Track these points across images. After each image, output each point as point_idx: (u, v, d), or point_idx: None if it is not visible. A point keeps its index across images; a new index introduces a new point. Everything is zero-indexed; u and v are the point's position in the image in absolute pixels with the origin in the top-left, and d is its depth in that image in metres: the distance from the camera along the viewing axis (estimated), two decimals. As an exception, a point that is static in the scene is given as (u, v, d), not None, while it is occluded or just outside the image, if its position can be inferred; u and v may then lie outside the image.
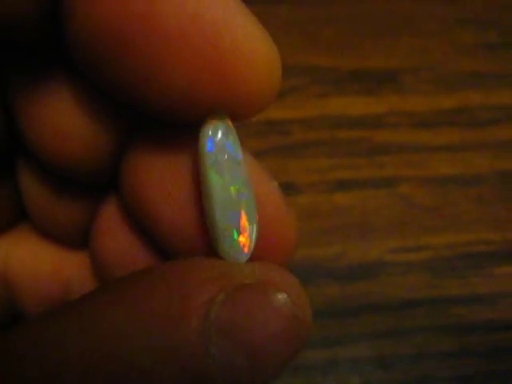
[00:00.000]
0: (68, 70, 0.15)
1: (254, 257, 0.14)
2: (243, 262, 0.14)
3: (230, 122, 0.13)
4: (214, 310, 0.11)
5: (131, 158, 0.15)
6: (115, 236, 0.17)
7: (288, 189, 0.31)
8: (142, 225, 0.16)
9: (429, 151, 0.32)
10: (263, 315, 0.12)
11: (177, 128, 0.14)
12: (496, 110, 0.34)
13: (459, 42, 0.36)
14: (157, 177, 0.15)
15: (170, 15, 0.11)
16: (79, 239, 0.18)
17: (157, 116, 0.14)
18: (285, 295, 0.12)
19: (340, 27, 0.36)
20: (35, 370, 0.11)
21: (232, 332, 0.11)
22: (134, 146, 0.15)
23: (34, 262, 0.19)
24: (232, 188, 0.14)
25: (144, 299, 0.12)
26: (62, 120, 0.15)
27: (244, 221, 0.14)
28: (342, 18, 0.36)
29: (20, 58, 0.15)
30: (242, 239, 0.14)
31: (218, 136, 0.13)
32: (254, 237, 0.14)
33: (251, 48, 0.12)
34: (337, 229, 0.30)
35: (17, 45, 0.14)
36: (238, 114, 0.13)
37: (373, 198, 0.31)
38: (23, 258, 0.18)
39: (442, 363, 0.27)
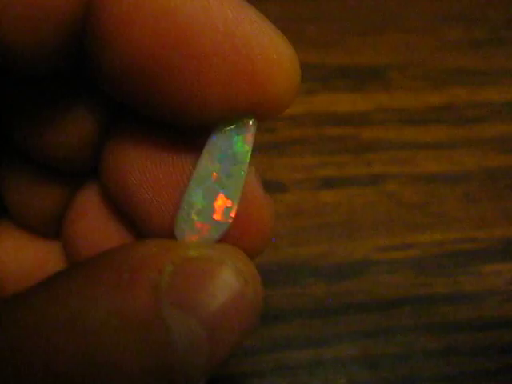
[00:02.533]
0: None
1: (229, 241, 0.14)
2: (191, 241, 0.14)
3: (251, 126, 0.14)
4: (163, 281, 0.12)
5: (113, 145, 0.16)
6: (89, 222, 0.17)
7: (274, 187, 0.31)
8: (121, 210, 0.16)
9: (416, 148, 0.32)
10: (213, 284, 0.12)
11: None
12: (483, 106, 0.34)
13: (446, 38, 0.36)
14: (138, 163, 0.15)
15: (205, 35, 0.12)
16: (54, 229, 0.19)
17: (172, 122, 0.14)
18: (231, 263, 0.13)
19: (327, 24, 0.36)
20: None
21: (185, 302, 0.12)
22: (116, 135, 0.16)
23: (17, 256, 0.19)
24: (215, 173, 0.14)
25: (96, 278, 0.12)
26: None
27: (219, 206, 0.14)
28: (329, 14, 0.36)
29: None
30: (200, 222, 0.14)
31: (230, 133, 0.14)
32: (223, 227, 0.14)
33: (278, 55, 0.13)
34: (323, 227, 0.30)
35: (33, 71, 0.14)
36: (267, 115, 0.14)
37: (359, 195, 0.31)
38: (6, 252, 0.19)
39: (429, 362, 0.27)
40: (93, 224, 0.17)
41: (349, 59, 0.35)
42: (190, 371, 0.12)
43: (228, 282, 0.12)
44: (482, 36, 0.36)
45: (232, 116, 0.14)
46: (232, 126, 0.14)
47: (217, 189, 0.14)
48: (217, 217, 0.14)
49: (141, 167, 0.15)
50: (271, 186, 0.31)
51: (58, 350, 0.11)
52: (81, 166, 0.17)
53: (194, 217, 0.14)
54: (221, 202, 0.14)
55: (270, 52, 0.13)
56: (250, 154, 0.14)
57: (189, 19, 0.12)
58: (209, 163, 0.14)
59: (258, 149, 0.32)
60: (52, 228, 0.18)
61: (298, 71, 0.14)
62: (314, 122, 0.32)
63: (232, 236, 0.14)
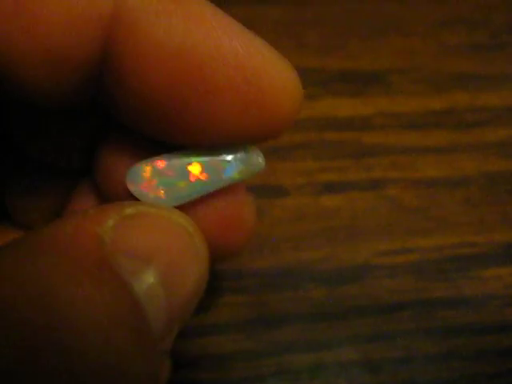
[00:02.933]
0: None
1: (209, 235, 0.15)
2: (130, 202, 0.14)
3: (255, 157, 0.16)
4: (107, 234, 0.12)
5: (108, 146, 0.17)
6: None
7: (276, 191, 0.31)
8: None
9: (416, 153, 0.32)
10: (155, 233, 0.13)
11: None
12: (483, 111, 0.34)
13: (447, 43, 0.36)
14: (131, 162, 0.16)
15: (219, 71, 0.13)
16: None
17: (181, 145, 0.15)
18: (166, 211, 0.14)
19: (327, 28, 0.36)
20: None
21: (133, 252, 0.12)
22: (107, 141, 0.17)
23: None
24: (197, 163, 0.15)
25: (46, 245, 0.12)
26: None
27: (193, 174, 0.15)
28: (330, 19, 0.36)
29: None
30: (147, 177, 0.15)
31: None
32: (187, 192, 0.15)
33: (284, 81, 0.14)
34: (324, 231, 0.30)
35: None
36: (272, 136, 0.15)
37: (360, 200, 0.31)
38: None
39: (429, 366, 0.27)
40: None
41: (350, 64, 0.35)
42: (152, 324, 0.12)
43: (168, 228, 0.13)
44: (483, 40, 0.36)
45: (239, 140, 0.15)
46: (238, 155, 0.15)
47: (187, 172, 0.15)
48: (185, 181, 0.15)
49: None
50: (273, 191, 0.31)
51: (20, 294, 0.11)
52: (78, 165, 0.18)
53: (144, 170, 0.15)
54: (196, 170, 0.15)
55: (277, 80, 0.14)
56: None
57: (204, 57, 0.13)
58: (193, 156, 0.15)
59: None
60: None
61: (301, 92, 0.15)
62: (315, 126, 0.32)
63: (212, 231, 0.15)
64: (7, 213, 0.19)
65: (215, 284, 0.28)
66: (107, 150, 0.17)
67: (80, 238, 0.12)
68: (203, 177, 0.15)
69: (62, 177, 0.19)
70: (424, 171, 0.32)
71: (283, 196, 0.31)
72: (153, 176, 0.15)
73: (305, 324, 0.28)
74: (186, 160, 0.15)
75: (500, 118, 0.33)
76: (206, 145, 0.15)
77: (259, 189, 0.30)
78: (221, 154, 0.15)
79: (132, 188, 0.15)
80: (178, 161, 0.15)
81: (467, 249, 0.30)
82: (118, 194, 0.16)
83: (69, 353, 0.11)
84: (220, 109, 0.14)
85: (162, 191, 0.15)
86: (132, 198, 0.15)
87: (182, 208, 0.15)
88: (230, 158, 0.15)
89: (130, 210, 0.13)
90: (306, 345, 0.27)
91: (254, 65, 0.14)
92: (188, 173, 0.15)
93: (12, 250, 0.12)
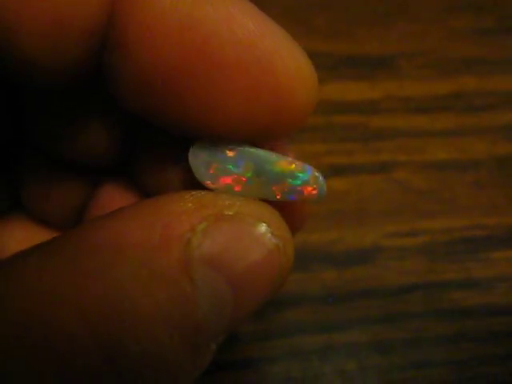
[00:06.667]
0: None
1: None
2: (225, 194, 0.14)
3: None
4: (195, 238, 0.12)
5: (141, 147, 0.16)
6: None
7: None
8: None
9: (425, 136, 0.32)
10: (244, 244, 0.12)
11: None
12: (491, 95, 0.34)
13: (454, 27, 0.36)
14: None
15: (228, 46, 0.12)
16: (72, 223, 0.19)
17: (190, 135, 0.14)
18: (264, 225, 0.13)
19: (335, 14, 0.36)
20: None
21: (214, 260, 0.12)
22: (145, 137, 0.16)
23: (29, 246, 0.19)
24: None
25: (125, 230, 0.12)
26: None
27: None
28: (337, 4, 0.36)
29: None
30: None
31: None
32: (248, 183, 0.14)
33: (298, 67, 0.13)
34: (333, 214, 0.30)
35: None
36: (287, 128, 0.14)
37: (369, 183, 0.31)
38: (19, 243, 0.19)
39: (439, 348, 0.27)
40: None
41: (358, 48, 0.35)
42: (212, 328, 0.12)
43: (259, 243, 0.12)
44: (490, 25, 0.36)
45: (253, 129, 0.14)
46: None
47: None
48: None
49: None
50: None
51: (89, 295, 0.11)
52: (104, 165, 0.17)
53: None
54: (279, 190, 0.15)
55: (291, 65, 0.13)
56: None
57: (212, 30, 0.12)
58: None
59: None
60: (68, 221, 0.19)
61: (316, 83, 0.14)
62: (323, 110, 0.32)
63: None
64: (20, 202, 0.19)
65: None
66: (144, 148, 0.16)
67: (168, 242, 0.12)
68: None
69: (84, 174, 0.18)
70: (432, 154, 0.32)
71: (292, 179, 0.31)
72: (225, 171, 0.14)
73: (315, 306, 0.28)
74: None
75: (508, 102, 0.33)
76: (215, 132, 0.14)
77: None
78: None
79: (208, 181, 0.14)
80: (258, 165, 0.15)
81: (476, 231, 0.30)
82: (167, 188, 0.16)
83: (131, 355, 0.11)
84: (229, 89, 0.13)
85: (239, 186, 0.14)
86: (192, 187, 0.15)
87: None
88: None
89: (228, 211, 0.13)
90: (316, 326, 0.27)
91: (266, 45, 0.13)
92: (273, 192, 0.15)
93: (97, 231, 0.12)
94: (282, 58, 0.13)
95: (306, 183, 0.15)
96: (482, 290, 0.28)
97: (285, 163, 0.15)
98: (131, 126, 0.16)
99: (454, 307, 0.28)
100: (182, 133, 0.14)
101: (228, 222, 0.12)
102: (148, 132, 0.16)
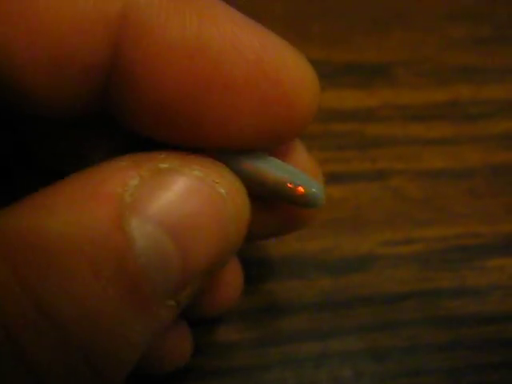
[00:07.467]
0: None
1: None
2: (163, 151, 0.14)
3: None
4: (128, 193, 0.12)
5: None
6: None
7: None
8: None
9: (421, 144, 0.32)
10: (179, 194, 0.12)
11: None
12: (487, 103, 0.34)
13: (451, 35, 0.36)
14: None
15: (237, 66, 0.13)
16: None
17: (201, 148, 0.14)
18: (201, 174, 0.13)
19: (332, 21, 0.36)
20: None
21: (148, 212, 0.12)
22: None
23: None
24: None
25: (59, 191, 0.12)
26: None
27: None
28: (334, 12, 0.36)
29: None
30: None
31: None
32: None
33: (302, 75, 0.14)
34: (329, 222, 0.30)
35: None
36: (293, 133, 0.15)
37: (365, 190, 0.31)
38: None
39: (434, 355, 0.27)
40: None
41: (354, 56, 0.35)
42: (157, 281, 0.12)
43: (195, 192, 0.12)
44: (486, 33, 0.36)
45: (263, 139, 0.14)
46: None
47: None
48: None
49: None
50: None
51: (19, 248, 0.11)
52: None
53: None
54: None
55: (296, 75, 0.14)
56: None
57: (220, 54, 0.13)
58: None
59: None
60: None
61: (319, 88, 0.15)
62: (320, 118, 0.33)
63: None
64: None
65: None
66: None
67: (98, 198, 0.11)
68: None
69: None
70: (428, 162, 0.32)
71: (288, 186, 0.31)
72: None
73: (310, 313, 0.28)
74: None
75: (504, 111, 0.34)
76: (228, 146, 0.14)
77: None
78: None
79: None
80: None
81: (471, 239, 0.30)
82: None
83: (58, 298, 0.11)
84: (240, 107, 0.13)
85: None
86: None
87: None
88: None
89: (163, 165, 0.13)
90: (311, 333, 0.27)
91: (272, 59, 0.13)
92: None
93: (33, 196, 0.12)
94: (287, 70, 0.13)
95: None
96: (477, 298, 0.29)
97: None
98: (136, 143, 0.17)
99: (448, 315, 0.28)
100: (189, 147, 0.14)
101: (162, 175, 0.12)
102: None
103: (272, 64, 0.13)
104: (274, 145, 0.15)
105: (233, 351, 0.27)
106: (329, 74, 0.34)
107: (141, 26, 0.12)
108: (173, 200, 0.12)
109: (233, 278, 0.22)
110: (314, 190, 0.16)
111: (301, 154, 0.18)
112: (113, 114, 0.14)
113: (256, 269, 0.28)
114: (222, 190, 0.13)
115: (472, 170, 0.32)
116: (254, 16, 0.14)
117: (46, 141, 0.17)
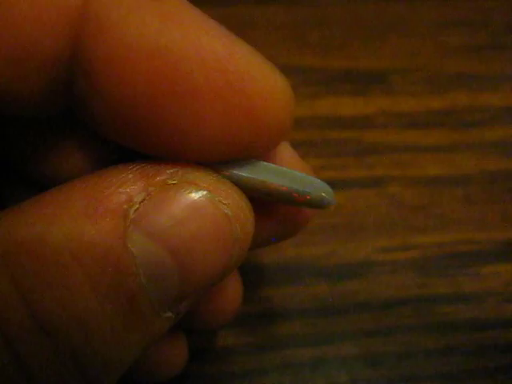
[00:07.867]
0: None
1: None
2: (168, 163, 0.13)
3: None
4: (132, 209, 0.12)
5: None
6: None
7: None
8: None
9: (417, 152, 0.33)
10: (184, 213, 0.12)
11: None
12: (483, 111, 0.34)
13: (447, 43, 0.36)
14: None
15: (198, 72, 0.12)
16: None
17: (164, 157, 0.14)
18: (208, 193, 0.13)
19: (330, 29, 0.36)
20: None
21: (152, 230, 0.12)
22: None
23: None
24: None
25: (63, 203, 0.12)
26: None
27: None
28: (332, 19, 0.37)
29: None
30: None
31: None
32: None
33: (271, 86, 0.13)
34: (326, 228, 0.30)
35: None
36: (265, 147, 0.14)
37: (362, 197, 0.31)
38: None
39: (429, 361, 0.28)
40: None
41: (352, 64, 0.35)
42: (156, 297, 0.12)
43: (200, 211, 0.12)
44: (483, 41, 0.36)
45: (230, 152, 0.14)
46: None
47: None
48: None
49: None
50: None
51: (20, 258, 0.11)
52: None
53: None
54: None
55: (263, 84, 0.13)
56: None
57: (180, 57, 0.12)
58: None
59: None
60: None
61: (292, 100, 0.14)
62: (317, 125, 0.33)
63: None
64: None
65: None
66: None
67: (103, 213, 0.11)
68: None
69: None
70: (424, 169, 0.32)
71: (285, 193, 0.31)
72: None
73: (306, 319, 0.28)
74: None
75: (499, 118, 0.34)
76: (192, 154, 0.14)
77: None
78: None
79: None
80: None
81: (467, 246, 0.30)
82: None
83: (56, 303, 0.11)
84: (202, 116, 0.13)
85: None
86: None
87: None
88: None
89: (171, 180, 0.12)
90: (307, 339, 0.28)
91: (237, 67, 0.13)
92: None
93: (36, 204, 0.12)
94: (253, 79, 0.13)
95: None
96: (472, 304, 0.29)
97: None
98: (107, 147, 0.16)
99: (444, 321, 0.28)
100: (160, 155, 0.14)
101: (169, 192, 0.12)
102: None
103: (236, 74, 0.13)
104: (251, 155, 0.15)
105: (230, 356, 0.27)
106: (326, 81, 0.34)
107: (101, 20, 0.12)
108: (178, 218, 0.12)
109: (232, 291, 0.22)
110: (322, 194, 0.15)
111: (288, 156, 0.18)
112: (80, 117, 0.14)
113: (253, 275, 0.29)
114: (228, 211, 0.13)
115: (468, 177, 0.32)
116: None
117: (16, 143, 0.16)
